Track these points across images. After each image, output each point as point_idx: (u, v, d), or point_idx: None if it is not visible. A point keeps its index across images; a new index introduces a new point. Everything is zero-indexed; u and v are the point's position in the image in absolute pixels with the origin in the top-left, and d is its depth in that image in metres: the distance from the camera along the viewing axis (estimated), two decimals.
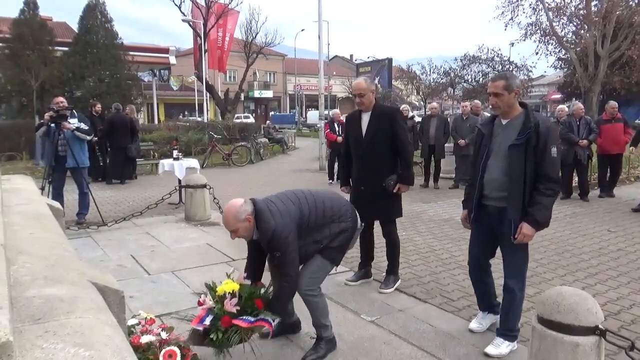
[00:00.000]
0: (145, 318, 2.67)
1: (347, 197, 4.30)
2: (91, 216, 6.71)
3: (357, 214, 3.12)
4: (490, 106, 3.05)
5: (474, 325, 3.32)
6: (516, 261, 3.02)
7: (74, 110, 6.57)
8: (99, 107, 11.16)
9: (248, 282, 2.85)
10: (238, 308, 2.65)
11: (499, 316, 3.24)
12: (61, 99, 6.52)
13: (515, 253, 3.00)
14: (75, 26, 20.28)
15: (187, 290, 4.11)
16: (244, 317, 2.61)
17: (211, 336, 2.59)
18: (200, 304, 2.78)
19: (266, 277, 3.08)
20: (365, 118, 4.05)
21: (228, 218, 2.74)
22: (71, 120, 6.35)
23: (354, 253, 5.17)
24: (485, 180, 3.03)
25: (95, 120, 10.35)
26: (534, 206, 2.83)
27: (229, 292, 2.71)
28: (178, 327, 2.88)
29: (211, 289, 2.80)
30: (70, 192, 7.27)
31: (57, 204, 2.93)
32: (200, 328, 2.62)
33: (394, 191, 3.97)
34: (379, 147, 3.97)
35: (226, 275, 2.93)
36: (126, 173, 10.98)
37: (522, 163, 2.84)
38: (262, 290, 2.84)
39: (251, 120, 34.74)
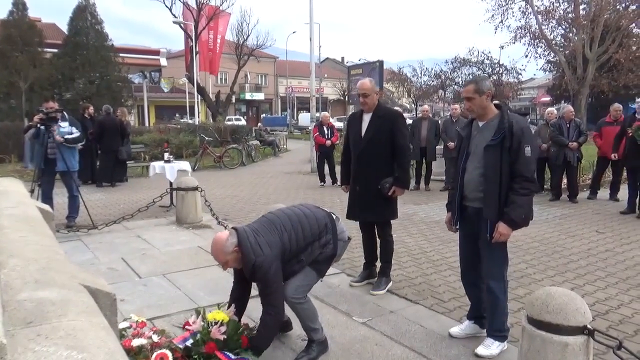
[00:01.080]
0: (137, 321, 2.67)
1: (346, 195, 4.33)
2: (81, 219, 6.65)
3: (337, 224, 3.08)
4: (466, 109, 3.14)
5: (454, 329, 3.32)
6: (494, 261, 3.05)
7: (64, 113, 6.50)
8: (91, 109, 11.07)
9: (236, 318, 2.87)
10: (225, 337, 2.65)
11: (484, 330, 3.25)
12: (52, 104, 6.43)
13: (493, 253, 3.03)
14: (64, 27, 20.13)
15: (178, 293, 4.09)
16: (226, 352, 2.61)
17: (194, 356, 2.58)
18: (187, 324, 2.77)
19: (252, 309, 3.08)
20: (367, 118, 4.07)
21: (217, 253, 2.77)
22: (62, 124, 6.27)
23: (344, 255, 5.19)
24: (465, 182, 3.10)
25: (87, 123, 10.27)
26: (509, 206, 2.88)
27: (218, 321, 2.72)
28: (169, 331, 2.87)
29: (200, 314, 2.80)
30: (60, 195, 7.21)
31: (47, 207, 2.91)
32: (181, 346, 2.61)
33: (389, 194, 3.99)
34: (377, 148, 3.99)
35: (217, 307, 2.94)
36: (117, 176, 10.92)
37: (497, 163, 2.90)
38: (247, 332, 2.85)
39: (242, 122, 34.70)
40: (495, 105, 3.05)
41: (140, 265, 4.87)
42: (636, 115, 7.20)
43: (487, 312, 3.13)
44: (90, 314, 1.10)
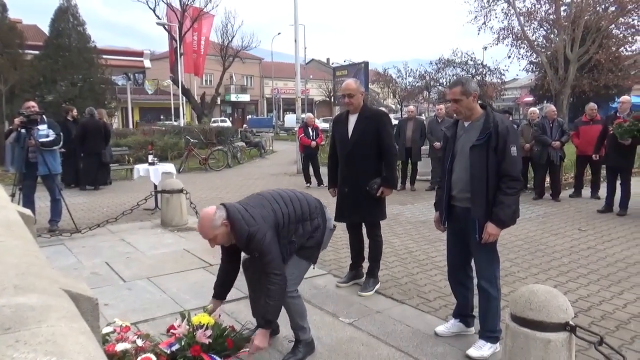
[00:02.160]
0: (121, 326, 2.63)
1: (334, 198, 4.32)
2: (64, 223, 6.56)
3: (325, 211, 3.10)
4: (453, 112, 3.13)
5: (440, 328, 3.34)
6: (485, 261, 3.06)
7: (43, 116, 6.40)
8: (75, 112, 10.92)
9: (222, 321, 2.84)
10: (210, 341, 2.63)
11: (470, 328, 3.30)
12: (32, 103, 6.36)
13: (484, 253, 3.04)
14: (46, 29, 19.84)
15: (163, 297, 4.06)
16: (213, 355, 2.59)
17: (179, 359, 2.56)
18: (172, 328, 2.74)
19: (243, 314, 3.07)
20: (352, 119, 4.06)
21: (204, 227, 2.71)
22: (40, 127, 6.18)
23: (330, 255, 5.20)
24: (452, 182, 3.11)
25: (71, 126, 10.13)
26: (497, 206, 2.89)
27: (204, 324, 2.69)
28: (154, 335, 2.84)
29: (186, 318, 2.78)
30: (42, 198, 7.11)
31: (28, 211, 2.85)
32: (167, 351, 2.58)
33: (377, 195, 3.98)
34: (364, 149, 3.98)
35: (202, 310, 2.92)
36: (100, 179, 10.78)
37: (483, 163, 2.91)
38: (234, 334, 2.82)
39: (228, 124, 34.57)
40: (480, 105, 3.06)
41: (125, 269, 4.82)
42: (617, 114, 7.33)
43: (480, 313, 3.13)
44: (70, 319, 1.08)
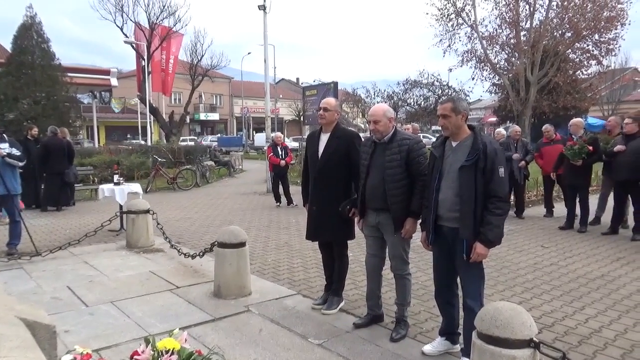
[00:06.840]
0: (81, 353, 2.53)
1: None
2: (24, 246, 6.30)
3: None
4: (440, 127, 3.19)
5: (427, 347, 3.34)
6: (472, 279, 3.08)
7: (4, 135, 6.21)
8: (35, 130, 10.58)
9: (187, 345, 2.77)
10: None
11: (456, 346, 3.31)
12: None
13: (470, 271, 3.06)
14: (8, 46, 19.35)
15: (127, 322, 3.93)
16: None
17: None
18: (136, 354, 2.65)
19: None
20: (324, 138, 4.06)
21: (378, 109, 3.55)
22: (1, 146, 5.99)
23: (300, 275, 5.16)
24: (439, 201, 3.11)
25: (31, 145, 9.81)
26: (485, 226, 2.92)
27: (169, 349, 2.61)
28: None
29: (150, 343, 2.69)
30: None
31: None
32: None
33: (350, 216, 3.92)
34: (334, 169, 3.97)
35: (168, 335, 2.84)
36: (63, 199, 10.44)
37: (472, 183, 2.94)
38: (201, 358, 2.75)
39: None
40: (468, 126, 3.12)
41: (87, 293, 4.65)
42: (572, 136, 7.64)
43: (464, 330, 3.13)
44: (25, 348, 1.04)
